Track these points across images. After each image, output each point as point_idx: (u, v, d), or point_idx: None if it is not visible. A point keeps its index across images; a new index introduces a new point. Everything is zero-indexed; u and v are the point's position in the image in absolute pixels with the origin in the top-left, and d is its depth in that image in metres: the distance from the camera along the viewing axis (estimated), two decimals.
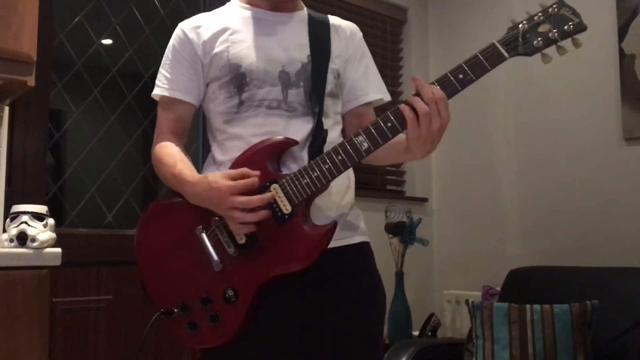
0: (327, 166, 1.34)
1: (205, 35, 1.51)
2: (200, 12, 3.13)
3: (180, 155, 1.49)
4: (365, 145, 1.33)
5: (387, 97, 1.63)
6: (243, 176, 1.34)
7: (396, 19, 3.91)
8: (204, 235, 1.41)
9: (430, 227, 3.78)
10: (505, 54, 1.31)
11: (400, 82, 3.85)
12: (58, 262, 1.91)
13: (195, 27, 1.53)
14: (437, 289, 3.75)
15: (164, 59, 1.56)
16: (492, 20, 3.62)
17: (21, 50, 2.00)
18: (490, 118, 3.61)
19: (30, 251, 1.86)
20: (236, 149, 1.44)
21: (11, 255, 1.83)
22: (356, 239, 1.51)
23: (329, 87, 1.51)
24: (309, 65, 1.49)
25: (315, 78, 1.49)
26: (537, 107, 3.37)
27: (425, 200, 3.81)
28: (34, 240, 1.88)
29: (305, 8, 1.62)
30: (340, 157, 1.34)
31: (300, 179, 1.35)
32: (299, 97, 1.47)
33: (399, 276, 3.29)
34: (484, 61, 1.31)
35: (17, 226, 1.91)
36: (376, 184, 3.67)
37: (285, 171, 1.40)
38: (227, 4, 1.62)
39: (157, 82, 1.55)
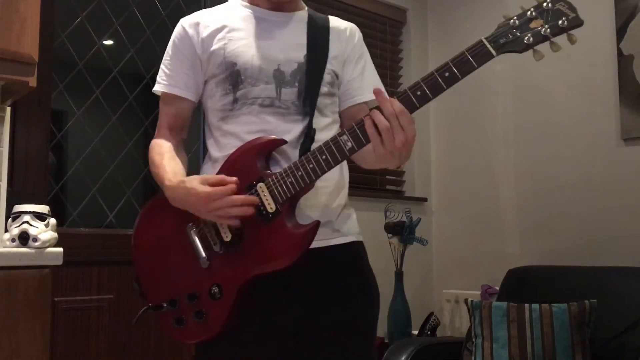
0: (311, 165, 1.34)
1: (204, 32, 1.52)
2: None
3: (170, 154, 1.51)
4: (349, 144, 1.32)
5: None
6: (220, 183, 1.36)
7: (395, 20, 3.91)
8: (193, 232, 1.43)
9: (430, 227, 3.79)
10: (493, 52, 1.27)
11: (400, 83, 3.86)
12: (59, 262, 1.91)
13: (195, 23, 1.54)
14: (437, 288, 3.76)
15: (165, 54, 1.58)
16: (491, 21, 3.61)
17: (23, 51, 2.01)
18: (489, 118, 3.62)
19: (32, 251, 1.87)
20: (230, 146, 1.46)
21: (13, 255, 1.83)
22: (347, 239, 1.52)
23: (324, 87, 1.52)
24: (305, 65, 1.50)
25: (311, 78, 1.49)
26: (535, 107, 3.38)
27: (424, 200, 3.82)
28: (35, 239, 1.89)
29: (306, 8, 1.63)
30: (324, 157, 1.33)
31: (285, 178, 1.36)
32: (292, 96, 1.48)
33: (399, 275, 3.31)
34: (470, 59, 1.28)
35: (18, 226, 1.91)
36: (376, 183, 3.69)
37: (276, 170, 1.40)
38: (229, 1, 1.63)
39: (157, 77, 1.57)
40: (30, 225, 1.92)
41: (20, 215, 1.96)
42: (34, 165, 2.45)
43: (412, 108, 1.29)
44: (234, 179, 1.36)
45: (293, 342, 1.44)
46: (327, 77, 1.52)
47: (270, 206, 1.36)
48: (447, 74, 1.28)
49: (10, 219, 1.99)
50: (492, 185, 3.57)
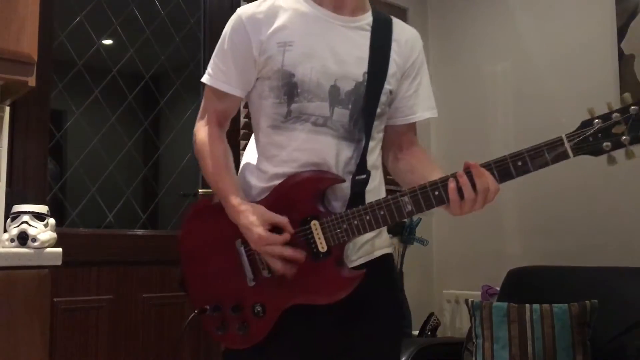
0: (367, 218, 1.36)
1: (263, 31, 1.44)
2: (200, 13, 3.17)
3: (225, 159, 1.50)
4: (409, 207, 1.34)
5: (435, 114, 1.59)
6: (279, 226, 1.37)
7: None
8: (243, 250, 1.44)
9: (430, 227, 3.78)
10: (570, 154, 1.26)
11: None
12: (59, 262, 1.91)
13: (255, 19, 1.45)
14: (437, 289, 3.76)
15: (219, 45, 1.50)
16: (491, 20, 3.62)
17: (22, 51, 2.01)
18: (489, 118, 3.61)
19: (31, 251, 1.87)
20: (278, 159, 1.44)
21: (12, 255, 1.83)
22: (379, 253, 1.52)
23: (378, 109, 1.47)
24: (363, 85, 1.45)
25: (367, 102, 1.45)
26: (536, 107, 3.38)
27: None
28: (34, 240, 1.89)
29: (370, 10, 1.54)
30: (382, 213, 1.35)
31: (341, 223, 1.37)
32: (343, 118, 1.43)
33: (399, 276, 3.30)
34: (546, 155, 1.28)
35: (18, 226, 1.91)
36: None
37: (324, 201, 1.42)
38: None
39: (209, 69, 1.51)
40: (30, 225, 1.91)
41: (19, 216, 1.95)
42: (33, 165, 2.45)
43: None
44: (292, 230, 1.37)
45: (323, 356, 1.47)
46: (383, 97, 1.47)
47: (322, 246, 1.38)
48: (519, 163, 1.30)
49: (9, 219, 1.99)
50: None
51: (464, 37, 3.77)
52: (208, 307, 1.47)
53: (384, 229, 1.55)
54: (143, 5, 3.07)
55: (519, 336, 2.53)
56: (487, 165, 1.31)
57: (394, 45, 1.51)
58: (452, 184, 1.30)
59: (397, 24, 1.57)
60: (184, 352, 2.74)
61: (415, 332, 3.35)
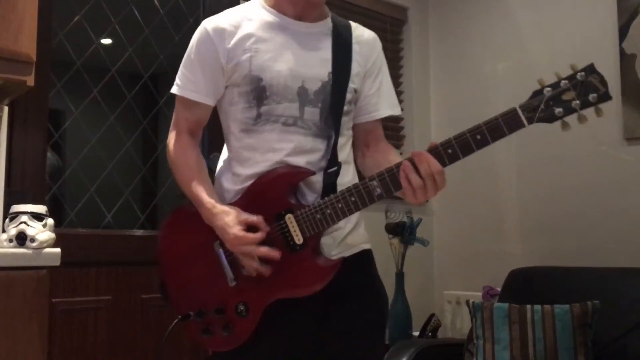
0: (340, 205, 1.40)
1: (230, 41, 1.49)
2: (199, 12, 3.16)
3: (198, 165, 1.53)
4: (379, 191, 1.38)
5: (398, 111, 1.66)
6: (254, 226, 1.41)
7: (396, 18, 3.90)
8: (221, 251, 1.47)
9: (431, 228, 3.77)
10: (525, 122, 1.33)
11: (401, 82, 3.84)
12: (57, 262, 1.91)
13: (220, 30, 1.50)
14: (438, 290, 3.75)
15: (186, 56, 1.56)
16: (492, 20, 3.61)
17: (20, 50, 2.00)
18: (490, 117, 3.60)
19: (30, 251, 1.86)
20: (252, 162, 1.49)
21: (10, 256, 1.82)
22: (357, 249, 1.55)
23: (346, 107, 1.53)
24: (329, 85, 1.50)
25: (334, 99, 1.50)
26: None
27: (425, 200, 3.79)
28: (33, 240, 1.88)
29: (329, 16, 1.60)
30: (353, 199, 1.39)
31: (314, 214, 1.41)
32: (314, 117, 1.49)
33: (399, 276, 3.29)
34: (502, 126, 1.35)
35: (16, 226, 1.90)
36: None
37: (298, 195, 1.46)
38: (252, 1, 1.59)
39: (177, 80, 1.56)
40: (28, 225, 1.91)
41: (17, 216, 1.95)
42: (32, 165, 2.44)
43: (441, 165, 1.35)
44: (267, 228, 1.41)
45: (306, 353, 1.49)
46: (348, 96, 1.54)
47: (298, 238, 1.42)
48: (478, 137, 1.35)
49: (7, 219, 1.98)
50: (494, 185, 3.56)
51: (464, 36, 3.76)
52: (192, 313, 1.49)
53: (361, 225, 1.59)
54: (142, 5, 3.05)
55: (520, 337, 2.52)
56: (447, 141, 1.35)
57: (354, 47, 1.58)
58: (402, 173, 1.35)
59: (356, 28, 1.63)
60: (184, 353, 2.73)
61: (416, 333, 3.33)
